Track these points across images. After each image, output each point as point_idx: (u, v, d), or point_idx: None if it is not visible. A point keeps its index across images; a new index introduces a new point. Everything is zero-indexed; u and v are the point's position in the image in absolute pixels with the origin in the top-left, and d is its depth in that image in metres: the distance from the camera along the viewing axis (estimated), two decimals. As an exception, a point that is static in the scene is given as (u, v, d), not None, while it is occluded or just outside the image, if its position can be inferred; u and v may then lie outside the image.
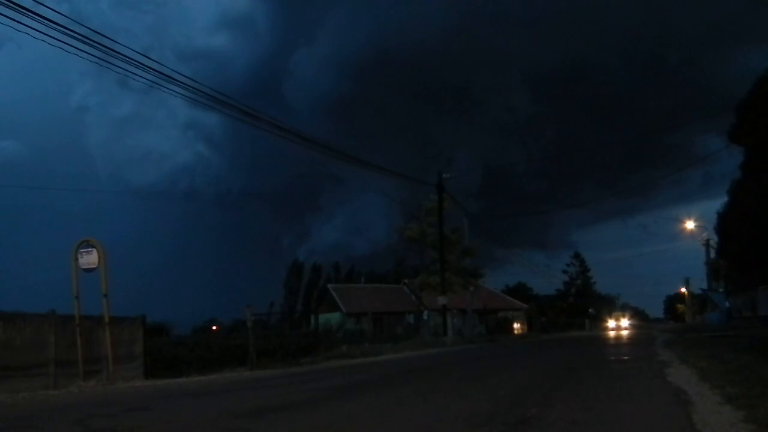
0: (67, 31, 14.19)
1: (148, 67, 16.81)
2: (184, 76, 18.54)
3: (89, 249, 16.05)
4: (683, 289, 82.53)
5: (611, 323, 75.59)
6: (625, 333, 51.17)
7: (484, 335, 45.57)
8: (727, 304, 60.88)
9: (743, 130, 28.20)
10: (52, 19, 13.85)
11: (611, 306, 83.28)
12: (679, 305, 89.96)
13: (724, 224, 32.62)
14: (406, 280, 55.97)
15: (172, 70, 18.02)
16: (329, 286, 58.33)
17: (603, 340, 31.98)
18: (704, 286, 72.03)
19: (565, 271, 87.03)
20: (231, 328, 44.21)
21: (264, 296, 72.88)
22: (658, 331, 45.99)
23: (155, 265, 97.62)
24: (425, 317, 43.90)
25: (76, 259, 16.00)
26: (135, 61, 16.36)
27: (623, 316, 79.21)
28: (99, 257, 15.97)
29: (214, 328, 51.62)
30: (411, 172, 43.79)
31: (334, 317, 46.74)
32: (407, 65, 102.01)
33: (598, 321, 78.30)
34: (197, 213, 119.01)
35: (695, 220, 60.98)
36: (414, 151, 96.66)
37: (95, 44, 14.98)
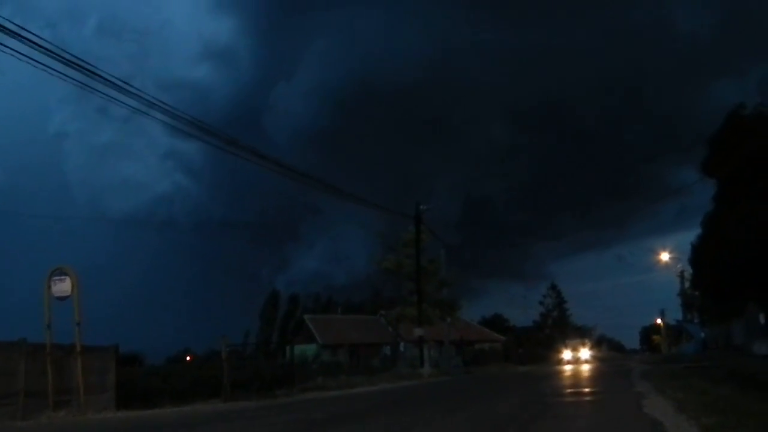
0: (50, 53, 14.18)
1: (130, 93, 16.79)
2: (164, 104, 18.50)
3: (62, 277, 15.83)
4: (659, 321, 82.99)
5: (567, 354, 60.56)
6: (586, 368, 41.14)
7: (461, 367, 45.33)
8: (702, 335, 61.39)
9: (715, 162, 28.67)
10: (36, 43, 13.85)
11: (588, 337, 79.17)
12: (655, 336, 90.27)
13: (698, 256, 32.92)
14: (383, 311, 55.70)
15: (153, 98, 17.99)
16: (306, 316, 57.90)
17: (578, 374, 31.96)
18: (679, 317, 72.58)
19: (541, 303, 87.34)
20: (205, 358, 43.67)
21: (240, 326, 71.94)
22: (634, 362, 45.95)
23: (129, 293, 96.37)
24: (402, 349, 43.67)
25: (49, 287, 15.77)
26: (117, 86, 16.34)
27: (583, 345, 63.18)
28: (72, 285, 15.75)
29: (188, 358, 50.97)
30: (391, 203, 43.99)
31: (310, 348, 46.35)
32: (388, 98, 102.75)
33: (554, 352, 65.04)
34: (174, 242, 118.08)
35: (670, 252, 61.60)
36: (394, 183, 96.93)
37: (78, 67, 14.96)
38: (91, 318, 17.03)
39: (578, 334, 74.41)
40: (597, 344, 74.88)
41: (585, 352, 60.53)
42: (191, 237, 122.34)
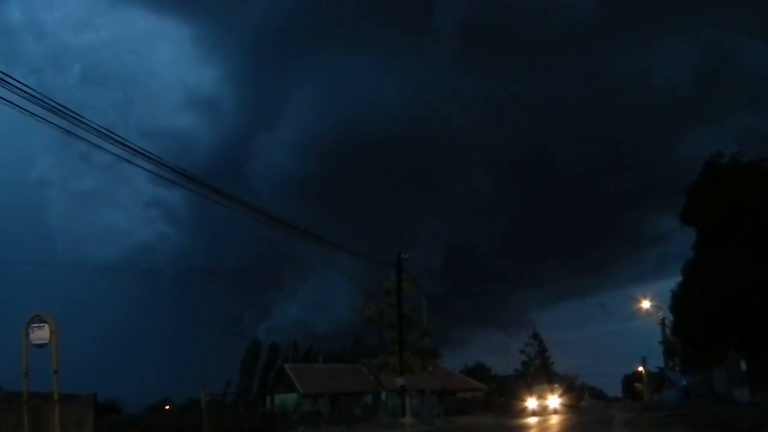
0: (34, 99, 14.25)
1: (114, 140, 16.83)
2: (148, 152, 18.54)
3: (41, 324, 15.63)
4: (641, 368, 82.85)
5: (531, 403, 51.68)
6: (555, 420, 35.86)
7: (442, 416, 44.95)
8: (684, 382, 61.31)
9: (694, 211, 29.16)
10: (20, 88, 13.92)
11: (559, 383, 75.64)
12: (637, 384, 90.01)
13: (679, 303, 33.19)
14: (364, 360, 55.32)
15: (137, 147, 18.03)
16: (286, 366, 57.40)
17: (558, 424, 31.76)
18: (661, 364, 72.55)
19: (522, 351, 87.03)
20: (185, 407, 43.01)
21: (220, 375, 71.28)
22: (616, 410, 45.77)
23: (109, 341, 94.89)
24: (383, 398, 43.25)
25: (27, 334, 15.56)
26: (101, 133, 16.38)
27: (552, 392, 53.77)
28: (51, 332, 15.56)
29: (167, 407, 50.16)
30: (374, 251, 43.68)
31: (291, 398, 45.87)
32: (371, 147, 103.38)
33: (516, 401, 55.79)
34: (155, 290, 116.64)
35: (651, 300, 61.74)
36: (377, 231, 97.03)
37: (62, 114, 15.02)
38: (70, 365, 16.78)
39: (557, 380, 72.76)
40: (571, 390, 70.13)
41: (554, 400, 52.71)
42: (172, 285, 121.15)
